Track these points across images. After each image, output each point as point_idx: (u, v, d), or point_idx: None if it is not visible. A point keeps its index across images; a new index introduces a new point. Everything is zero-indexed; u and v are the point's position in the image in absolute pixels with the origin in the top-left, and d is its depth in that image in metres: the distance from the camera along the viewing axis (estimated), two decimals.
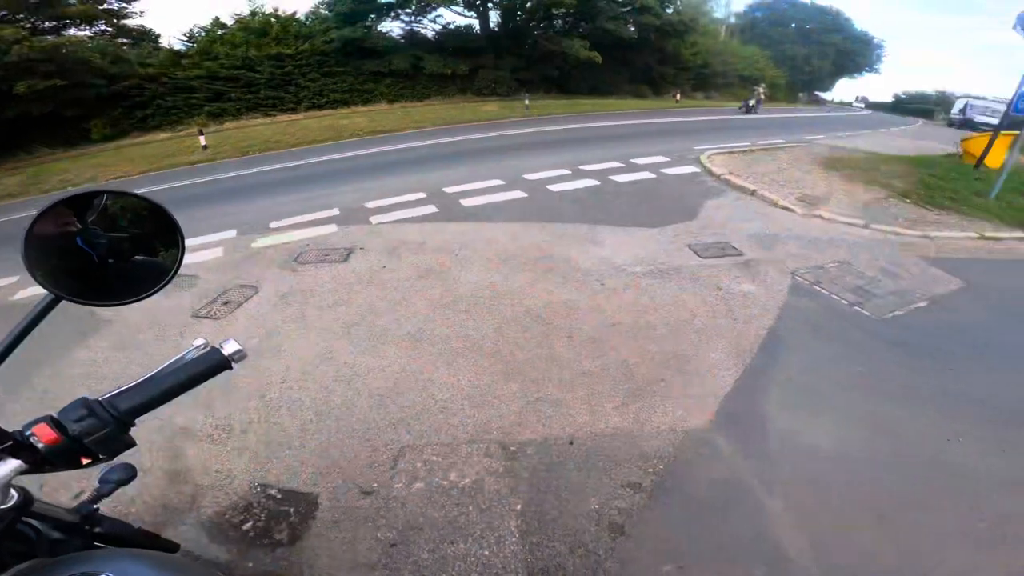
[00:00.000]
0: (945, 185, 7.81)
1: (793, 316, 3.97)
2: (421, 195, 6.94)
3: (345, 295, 4.16)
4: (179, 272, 0.90)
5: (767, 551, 2.07)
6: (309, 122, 16.68)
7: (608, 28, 22.45)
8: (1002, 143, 9.12)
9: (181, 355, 0.81)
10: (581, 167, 8.40)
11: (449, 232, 5.55)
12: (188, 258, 4.72)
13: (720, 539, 2.12)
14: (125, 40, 19.46)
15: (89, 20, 18.13)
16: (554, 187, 7.25)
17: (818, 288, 4.47)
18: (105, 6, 18.50)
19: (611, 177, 7.83)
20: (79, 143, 16.37)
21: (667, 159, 9.20)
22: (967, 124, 24.16)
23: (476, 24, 24.20)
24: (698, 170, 8.49)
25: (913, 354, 3.57)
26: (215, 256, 5.19)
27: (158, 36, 20.63)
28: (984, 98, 28.09)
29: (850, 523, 2.21)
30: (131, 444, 0.78)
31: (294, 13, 21.82)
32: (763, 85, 26.19)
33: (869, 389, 3.14)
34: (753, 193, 7.19)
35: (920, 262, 5.25)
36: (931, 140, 15.13)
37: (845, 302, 4.26)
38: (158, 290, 0.86)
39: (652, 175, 8.07)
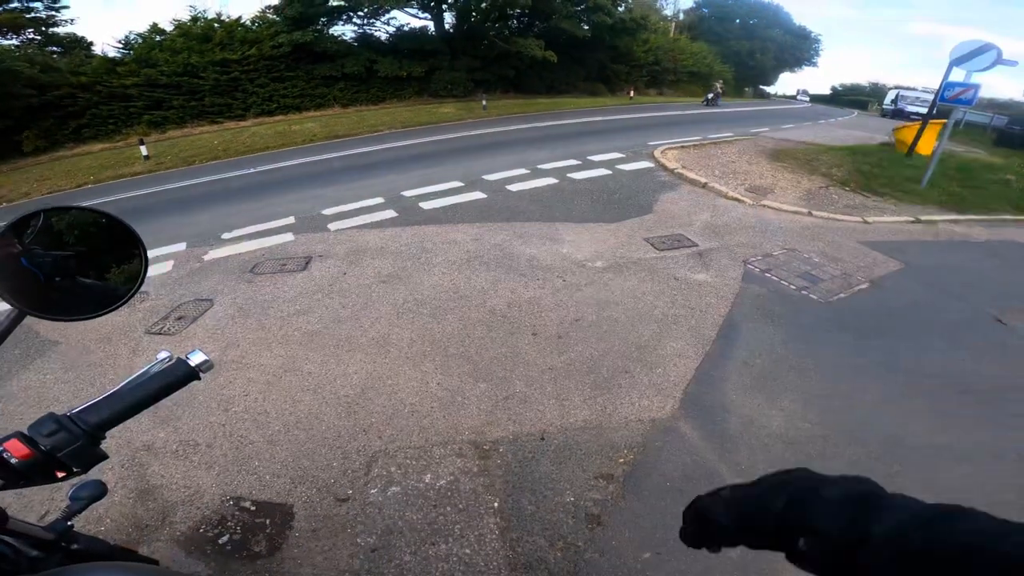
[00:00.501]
0: (881, 173, 8.32)
1: (747, 303, 4.14)
2: (379, 200, 6.84)
3: (306, 304, 4.08)
4: (143, 284, 0.90)
5: None
6: (259, 129, 16.09)
7: (563, 27, 22.65)
8: (931, 131, 9.74)
9: (146, 368, 0.82)
10: (539, 166, 8.47)
11: (410, 236, 5.50)
12: None
13: None
14: (55, 48, 18.44)
15: (16, 29, 17.15)
16: (513, 187, 7.29)
17: (768, 275, 4.67)
18: (33, 14, 17.53)
19: (569, 175, 7.93)
20: (11, 156, 15.30)
21: (622, 155, 9.38)
22: (899, 114, 25.54)
23: (431, 26, 24.00)
24: (652, 165, 8.70)
25: (859, 334, 3.79)
26: (165, 271, 4.99)
27: (90, 44, 19.58)
28: (914, 88, 29.89)
29: None
30: (104, 456, 0.78)
31: (239, 18, 21.07)
32: (720, 81, 27.97)
33: (820, 369, 3.31)
34: (705, 186, 7.44)
35: (861, 246, 5.56)
36: (866, 130, 16.04)
37: (794, 287, 4.47)
38: (120, 305, 0.87)
39: (608, 171, 8.21)
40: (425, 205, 6.52)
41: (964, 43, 7.83)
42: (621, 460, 2.51)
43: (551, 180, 7.63)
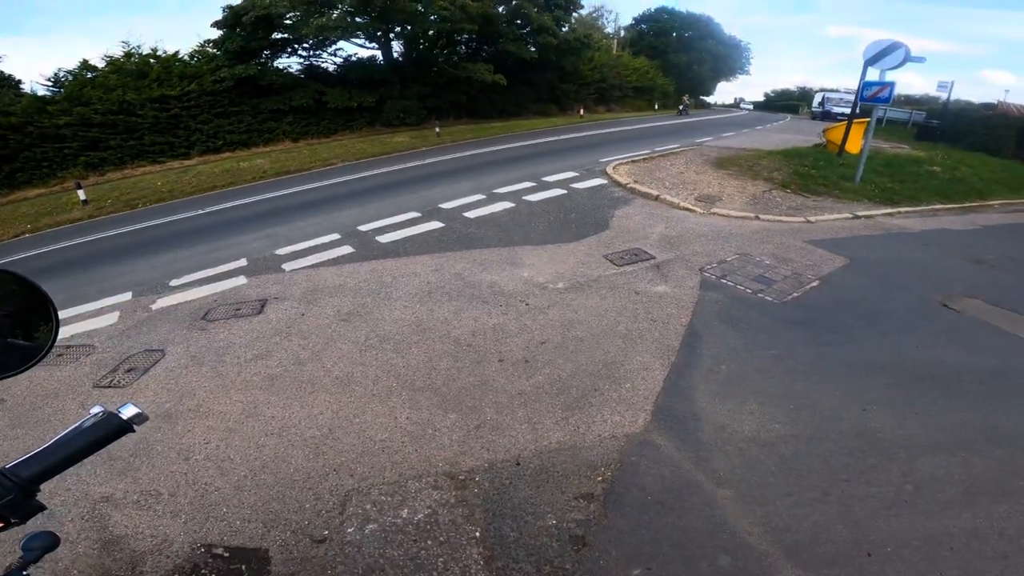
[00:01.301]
0: (817, 173, 8.79)
1: (706, 310, 4.24)
2: (335, 236, 6.70)
3: (264, 348, 3.96)
4: (55, 345, 0.92)
5: (726, 540, 2.17)
6: (205, 167, 15.54)
7: (510, 50, 23.07)
8: (857, 130, 10.32)
9: (79, 423, 0.84)
10: (495, 190, 8.51)
11: (368, 271, 5.39)
12: (80, 327, 4.27)
13: (680, 535, 2.19)
14: None
15: None
16: (471, 213, 7.28)
17: (724, 281, 4.81)
18: None
19: (525, 197, 8.00)
20: None
21: (576, 174, 9.56)
22: (827, 115, 26.86)
23: (379, 55, 24.00)
24: (605, 181, 8.90)
25: (816, 331, 3.94)
26: (110, 322, 4.77)
27: (19, 82, 18.64)
28: (837, 90, 31.69)
29: (797, 501, 2.36)
30: (40, 508, 0.81)
31: (176, 53, 20.34)
32: (687, 95, 32.98)
33: (783, 370, 3.42)
34: (657, 198, 7.66)
35: (807, 245, 5.83)
36: (799, 133, 16.99)
37: (749, 291, 4.62)
38: (30, 367, 0.90)
39: (563, 191, 8.34)
40: (382, 238, 6.43)
41: (874, 43, 8.29)
42: (599, 478, 2.51)
43: (508, 204, 7.68)
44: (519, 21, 23.45)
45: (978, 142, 15.02)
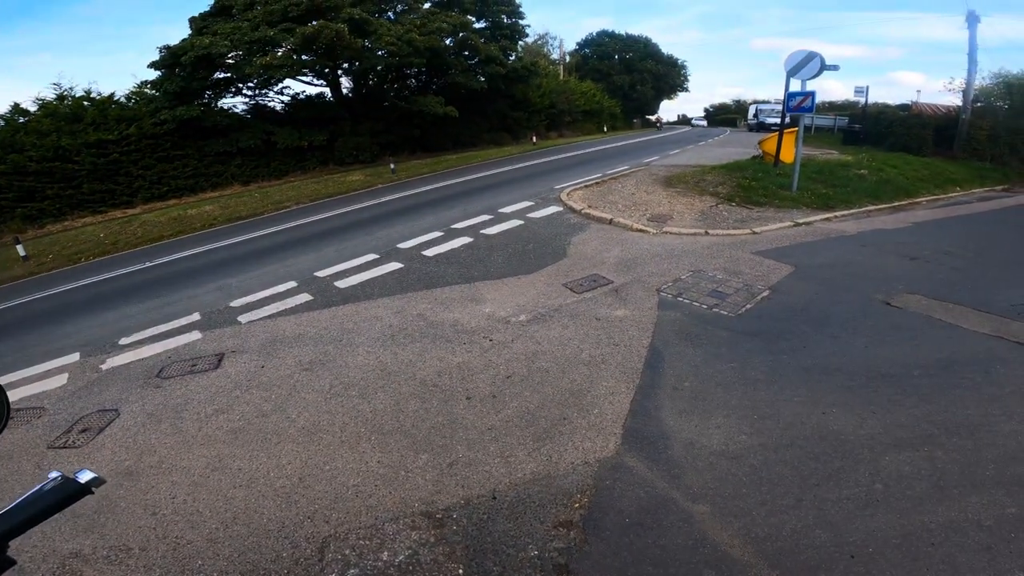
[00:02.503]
0: (757, 185, 9.25)
1: (666, 330, 4.36)
2: (292, 284, 6.54)
3: (224, 402, 3.89)
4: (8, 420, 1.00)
5: (709, 554, 2.20)
6: (150, 216, 14.88)
7: (460, 82, 23.32)
8: (788, 140, 10.84)
9: (40, 486, 0.88)
10: (453, 226, 8.51)
11: (328, 318, 5.30)
12: (28, 389, 4.23)
13: (662, 554, 2.21)
14: None
15: None
16: (430, 251, 7.26)
17: (681, 299, 4.97)
18: None
19: (483, 231, 8.03)
20: None
21: (532, 203, 9.69)
22: (762, 127, 28.00)
23: (328, 92, 23.86)
24: (561, 209, 9.06)
25: (770, 340, 4.11)
26: (60, 383, 4.66)
27: None
28: (768, 101, 33.40)
29: (773, 509, 2.42)
30: (11, 562, 0.86)
31: (112, 95, 19.48)
32: (659, 114, 40.39)
33: (744, 381, 3.54)
34: (611, 222, 7.88)
35: (755, 256, 6.10)
36: (739, 146, 17.91)
37: (705, 307, 4.79)
38: None
39: (520, 221, 8.44)
40: (341, 283, 6.32)
41: (793, 54, 8.81)
42: (576, 505, 2.53)
43: (466, 239, 7.70)
44: (467, 52, 23.86)
45: (898, 143, 15.95)
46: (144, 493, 2.97)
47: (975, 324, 4.28)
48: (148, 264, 9.41)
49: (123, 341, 5.46)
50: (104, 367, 4.88)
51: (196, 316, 5.88)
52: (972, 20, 15.58)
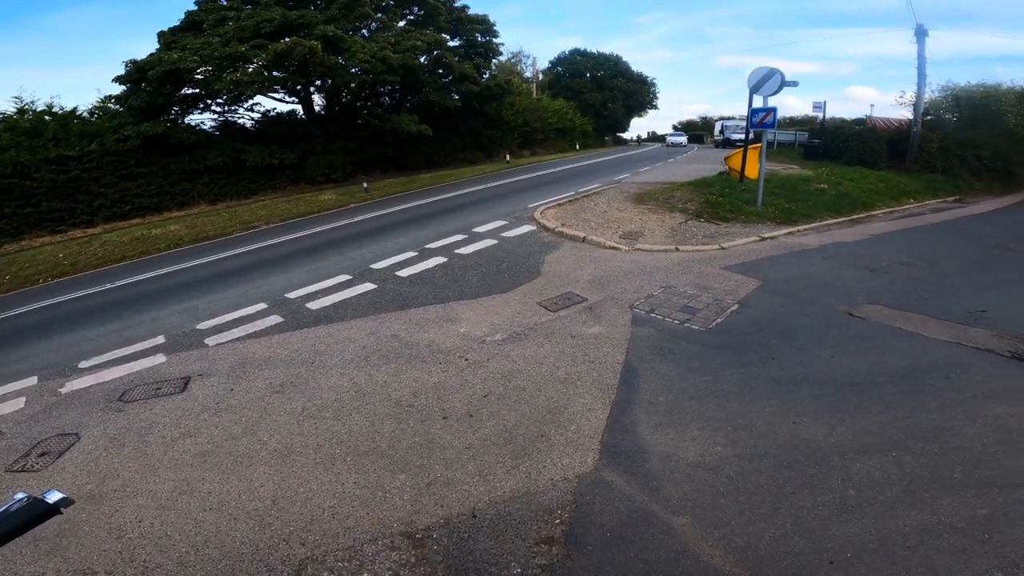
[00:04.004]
0: (724, 201, 9.53)
1: (639, 346, 4.43)
2: (262, 306, 6.39)
3: (191, 426, 3.80)
4: None
5: (691, 566, 2.22)
6: (112, 236, 14.33)
7: (433, 100, 23.33)
8: (752, 156, 11.09)
9: (3, 507, 0.87)
10: (427, 246, 8.46)
11: (300, 340, 5.20)
12: None
13: (644, 567, 2.22)
14: None
15: None
16: (403, 272, 7.20)
17: (653, 315, 5.06)
18: None
19: (457, 251, 8.00)
20: None
21: (506, 222, 9.69)
22: (728, 142, 29.02)
23: (299, 109, 23.60)
24: (534, 227, 9.13)
25: (740, 353, 4.22)
26: (17, 407, 4.54)
27: None
28: (733, 118, 34.79)
29: (751, 518, 2.45)
30: None
31: (75, 109, 18.87)
32: (639, 133, 39.05)
33: (716, 394, 3.62)
34: (584, 240, 7.99)
35: (724, 271, 6.27)
36: (707, 162, 18.44)
37: (677, 322, 4.88)
38: None
39: (494, 241, 8.45)
40: (313, 305, 6.21)
41: (755, 71, 9.10)
42: (557, 521, 2.54)
43: (440, 259, 7.66)
44: (441, 70, 23.94)
45: (855, 157, 16.43)
46: (108, 516, 2.89)
47: (934, 331, 4.48)
48: (109, 286, 9.09)
49: (83, 364, 5.30)
50: (63, 391, 4.76)
51: (160, 339, 5.70)
52: (920, 34, 15.95)
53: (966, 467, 2.73)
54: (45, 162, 16.65)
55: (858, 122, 24.59)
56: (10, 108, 18.04)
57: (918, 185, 13.26)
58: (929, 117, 17.37)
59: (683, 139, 39.02)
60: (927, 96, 16.99)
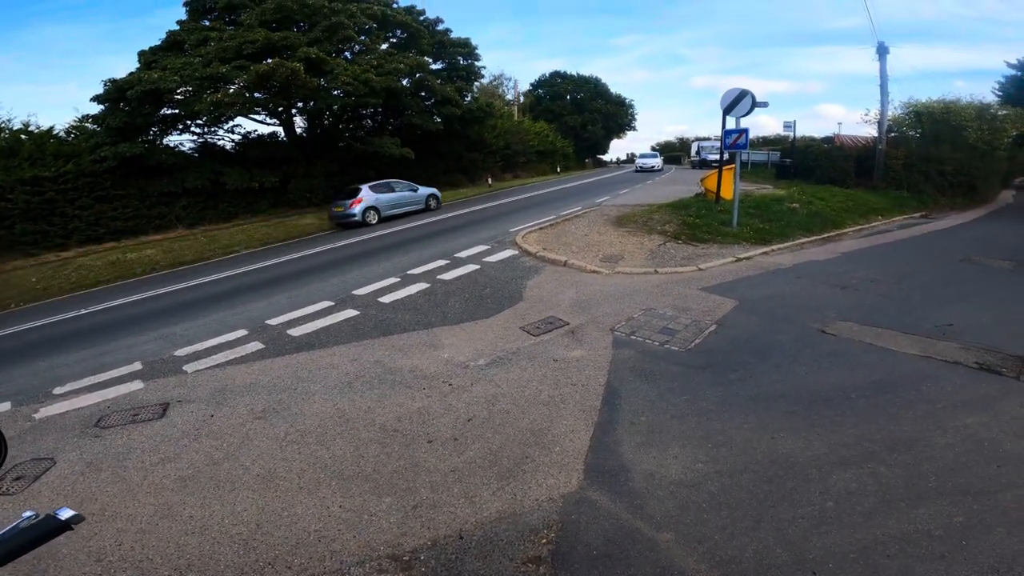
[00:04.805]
0: (701, 222, 9.76)
1: (621, 367, 4.51)
2: (242, 332, 6.32)
3: (171, 451, 3.76)
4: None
5: None
6: (86, 260, 14.10)
7: (416, 122, 23.39)
8: (728, 176, 11.25)
9: (14, 524, 0.90)
10: (409, 271, 8.47)
11: (282, 367, 5.15)
12: None
13: None
14: None
15: None
16: (386, 298, 7.19)
17: (634, 337, 5.15)
18: None
19: (439, 276, 8.02)
20: None
21: (488, 247, 9.73)
22: (704, 163, 29.32)
23: (281, 131, 23.47)
24: (516, 252, 9.19)
25: (719, 372, 4.32)
26: None
27: None
28: (709, 138, 34.70)
29: (734, 532, 2.51)
30: None
31: (51, 128, 18.56)
32: (629, 153, 38.11)
33: (696, 412, 3.70)
34: (565, 264, 8.09)
35: (701, 292, 6.42)
36: (684, 183, 18.87)
37: (657, 343, 4.98)
38: None
39: (476, 266, 8.47)
40: (294, 331, 6.17)
41: (727, 92, 9.32)
42: (544, 540, 2.56)
43: (423, 285, 7.66)
44: (423, 93, 24.05)
45: (824, 175, 16.71)
46: (87, 540, 2.86)
47: (904, 346, 4.65)
48: (84, 311, 8.92)
49: (58, 391, 5.22)
50: (38, 416, 4.68)
51: (137, 365, 5.62)
52: (882, 52, 16.29)
53: (940, 476, 2.83)
54: (20, 183, 16.24)
55: (826, 140, 25.32)
56: None
57: (885, 202, 13.66)
58: (893, 134, 17.83)
59: (657, 161, 33.82)
60: (890, 113, 17.48)
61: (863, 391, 3.86)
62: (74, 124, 19.20)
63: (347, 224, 15.51)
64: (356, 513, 2.88)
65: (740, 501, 2.73)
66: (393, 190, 17.12)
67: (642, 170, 31.62)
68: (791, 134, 24.51)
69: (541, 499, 2.88)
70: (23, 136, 17.83)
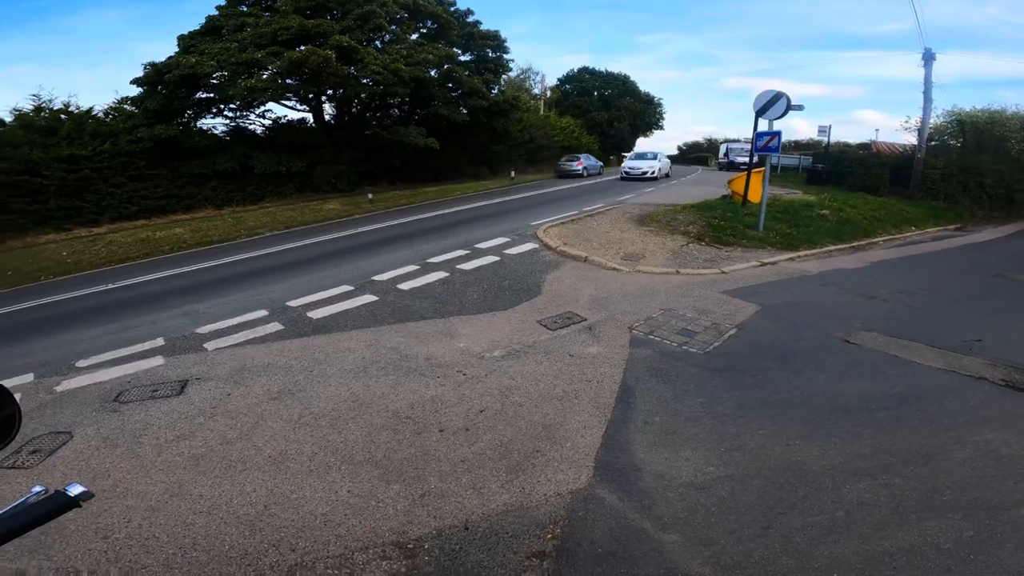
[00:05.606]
0: (726, 225, 9.58)
1: (637, 366, 4.46)
2: (263, 313, 6.41)
3: (187, 429, 3.79)
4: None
5: None
6: (117, 236, 14.39)
7: (442, 113, 23.55)
8: (756, 179, 11.07)
9: (23, 499, 0.89)
10: (429, 260, 8.50)
11: (299, 348, 5.22)
12: None
13: None
14: None
15: None
16: (404, 285, 7.23)
17: (652, 337, 5.09)
18: None
19: (459, 266, 8.04)
20: None
21: (508, 239, 9.73)
22: (732, 165, 28.66)
23: (310, 118, 23.84)
24: (536, 246, 9.17)
25: (737, 376, 4.24)
26: None
27: None
28: (739, 140, 33.91)
29: (740, 537, 2.47)
30: None
31: (90, 109, 19.15)
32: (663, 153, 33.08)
33: (711, 415, 3.64)
34: (586, 260, 8.04)
35: (723, 296, 6.30)
36: (710, 185, 18.53)
37: (675, 344, 4.91)
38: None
39: (496, 257, 8.47)
40: (313, 314, 6.23)
41: (761, 94, 9.10)
42: (549, 536, 2.55)
43: (442, 274, 7.70)
44: (451, 84, 24.19)
45: (858, 182, 16.24)
46: (96, 516, 2.88)
47: (929, 359, 4.52)
48: (111, 286, 9.14)
49: (80, 364, 5.29)
50: (59, 389, 4.74)
51: (160, 341, 5.71)
52: (928, 59, 15.86)
53: (955, 490, 2.77)
54: (57, 160, 16.81)
55: (863, 147, 24.59)
56: (27, 106, 18.33)
57: (920, 212, 13.28)
58: (933, 143, 17.36)
59: (652, 165, 22.13)
60: (932, 121, 16.94)
61: (884, 402, 3.77)
62: (113, 105, 19.78)
63: (569, 175, 25.07)
64: (364, 499, 2.90)
65: (750, 506, 2.69)
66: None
67: (629, 177, 21.77)
68: (825, 139, 23.84)
69: (549, 494, 2.86)
70: (63, 116, 18.39)
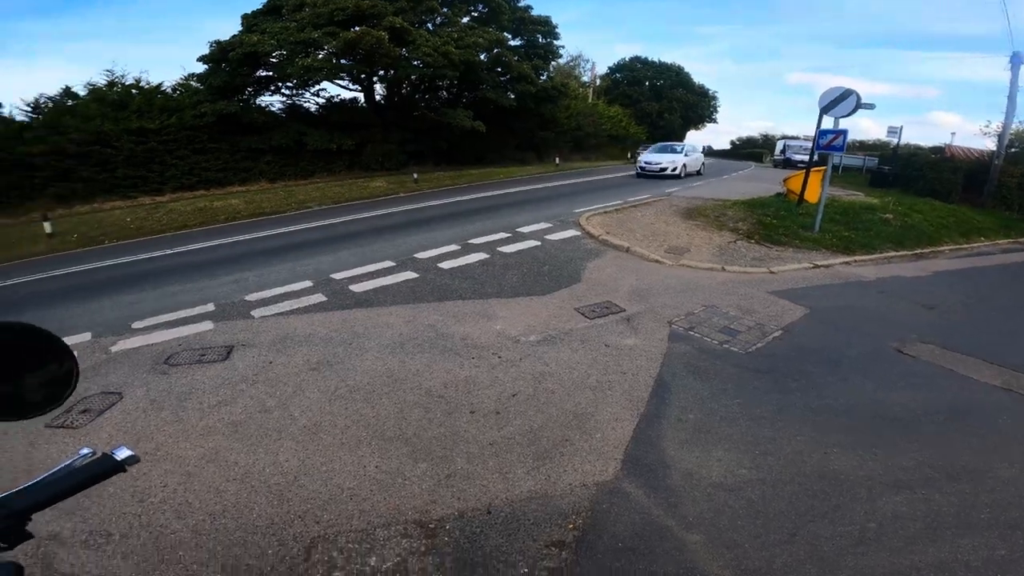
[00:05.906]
0: (779, 223, 9.17)
1: (674, 362, 4.35)
2: (308, 283, 6.64)
3: (228, 394, 3.92)
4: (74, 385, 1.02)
5: None
6: (177, 205, 15.24)
7: (490, 97, 23.65)
8: (815, 178, 10.59)
9: (69, 461, 0.89)
10: (470, 241, 8.55)
11: (340, 321, 5.36)
12: None
13: None
14: None
15: None
16: (445, 264, 7.31)
17: (692, 333, 4.95)
18: None
19: (499, 248, 8.05)
20: None
21: (550, 225, 9.71)
22: (788, 163, 27.43)
23: (361, 97, 24.41)
24: (578, 233, 9.06)
25: (779, 379, 4.08)
26: None
27: None
28: (797, 137, 32.13)
29: (766, 543, 2.41)
30: (28, 536, 0.86)
31: (159, 85, 20.40)
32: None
33: (748, 417, 3.52)
34: (628, 250, 7.87)
35: (770, 296, 6.05)
36: (763, 181, 17.76)
37: (716, 342, 4.76)
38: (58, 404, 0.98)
39: (537, 242, 8.48)
40: (355, 288, 6.39)
41: (829, 91, 8.63)
42: (571, 526, 2.53)
43: (482, 255, 7.73)
44: (500, 69, 24.18)
45: (927, 187, 15.51)
46: (134, 480, 2.93)
47: (986, 376, 4.25)
48: (168, 252, 9.61)
49: (136, 325, 5.51)
50: (114, 349, 4.91)
51: (211, 306, 5.96)
52: (1016, 61, 14.93)
53: (995, 509, 2.64)
54: (127, 132, 17.95)
55: (936, 150, 22.99)
56: (101, 80, 19.63)
57: (991, 222, 12.38)
58: (1014, 150, 16.25)
59: (672, 159, 19.00)
60: (1015, 127, 15.94)
61: (933, 416, 3.58)
62: (180, 81, 20.97)
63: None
64: (391, 475, 2.92)
65: (779, 512, 2.60)
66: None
67: (645, 174, 18.85)
68: (894, 140, 22.43)
69: (575, 484, 2.84)
70: (134, 91, 19.56)
